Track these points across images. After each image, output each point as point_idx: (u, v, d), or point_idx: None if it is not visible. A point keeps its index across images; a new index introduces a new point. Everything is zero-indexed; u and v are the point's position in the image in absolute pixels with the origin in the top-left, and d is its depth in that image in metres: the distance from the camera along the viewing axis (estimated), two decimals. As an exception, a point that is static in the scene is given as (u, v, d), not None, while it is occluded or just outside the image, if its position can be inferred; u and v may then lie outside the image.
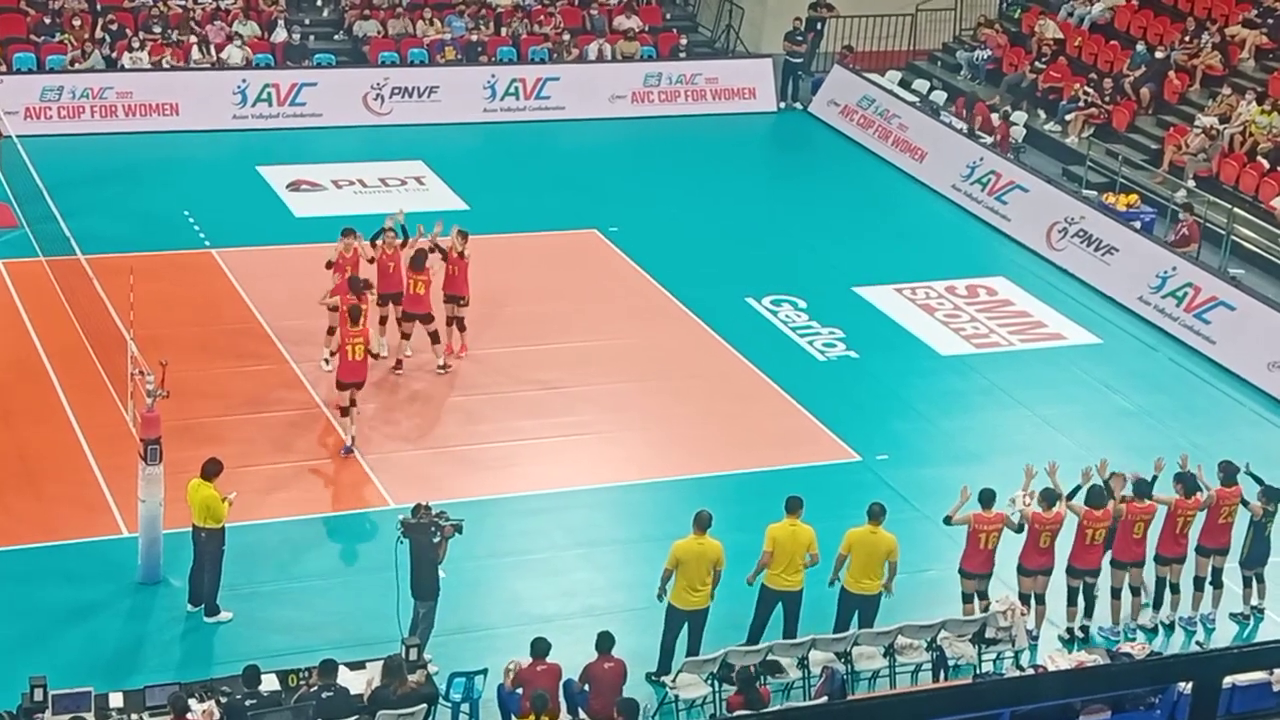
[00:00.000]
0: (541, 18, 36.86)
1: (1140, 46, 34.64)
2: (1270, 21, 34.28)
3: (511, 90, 34.89)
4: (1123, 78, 34.08)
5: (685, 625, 18.32)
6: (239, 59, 33.93)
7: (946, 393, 25.05)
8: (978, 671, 18.50)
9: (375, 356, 22.98)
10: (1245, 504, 19.84)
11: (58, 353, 23.93)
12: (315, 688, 16.65)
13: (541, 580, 20.14)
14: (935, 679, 18.39)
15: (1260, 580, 20.22)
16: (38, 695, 16.16)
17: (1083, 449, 23.33)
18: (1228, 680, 10.41)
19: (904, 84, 36.40)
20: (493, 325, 25.31)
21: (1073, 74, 34.91)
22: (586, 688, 17.26)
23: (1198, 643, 19.80)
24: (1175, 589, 19.95)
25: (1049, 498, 19.27)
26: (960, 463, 22.59)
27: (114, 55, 33.41)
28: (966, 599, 19.30)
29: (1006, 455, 22.92)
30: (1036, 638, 19.32)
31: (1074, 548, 19.49)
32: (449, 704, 17.32)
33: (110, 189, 29.73)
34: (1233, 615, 20.23)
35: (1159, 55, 34.25)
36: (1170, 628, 20.02)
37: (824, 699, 17.34)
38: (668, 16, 38.67)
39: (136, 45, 33.36)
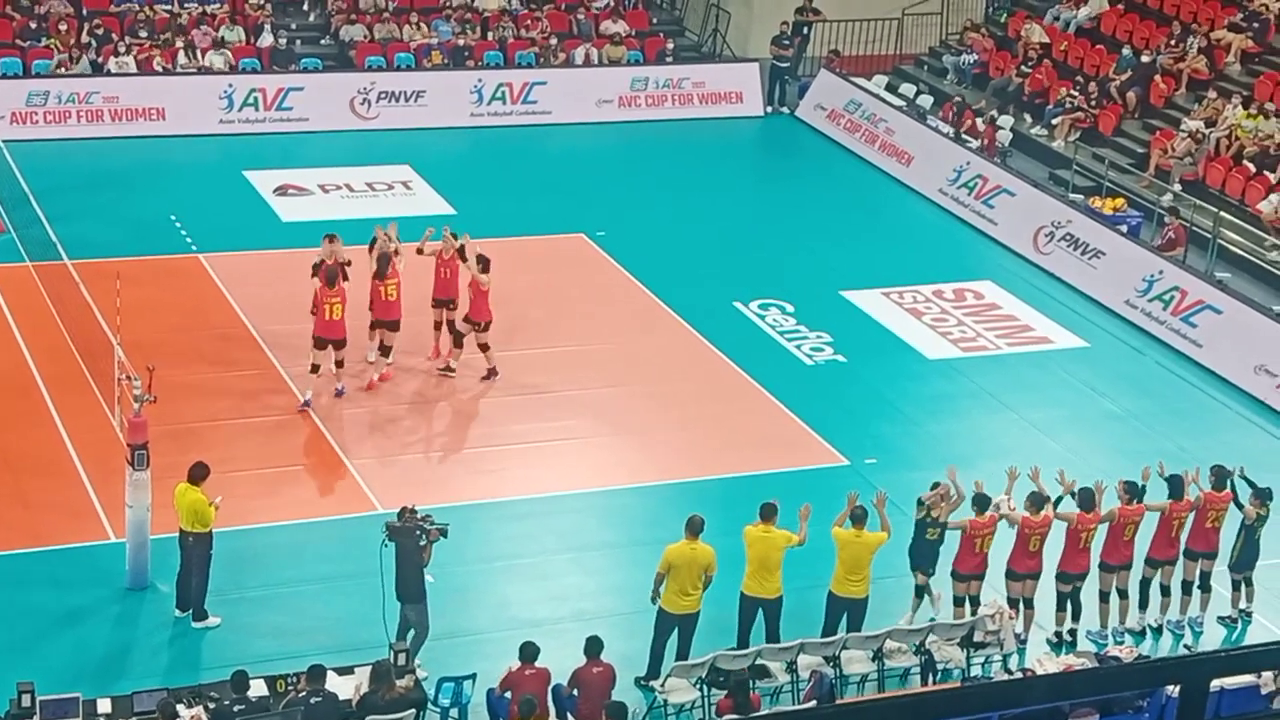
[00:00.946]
0: (528, 22, 36.86)
1: (1126, 50, 34.72)
2: (1255, 26, 34.36)
3: (498, 95, 34.90)
4: (1109, 82, 34.14)
5: (675, 630, 18.33)
6: (221, 65, 33.91)
7: (934, 397, 25.08)
8: (966, 675, 18.52)
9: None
10: (1239, 507, 19.85)
11: (44, 358, 23.89)
12: (303, 693, 16.62)
13: (530, 585, 20.13)
14: (924, 683, 18.40)
15: (1249, 584, 20.24)
16: (25, 701, 16.10)
17: (1070, 452, 23.38)
18: (1215, 683, 10.44)
19: (890, 88, 36.45)
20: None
21: (1059, 78, 34.98)
22: (575, 692, 17.25)
23: (1185, 646, 19.83)
24: (1166, 591, 19.98)
25: (1037, 501, 19.30)
26: (948, 466, 22.56)
27: (100, 60, 33.37)
28: (958, 602, 19.32)
29: (994, 459, 22.91)
30: (1025, 641, 19.35)
31: (1065, 552, 19.51)
32: (438, 709, 17.31)
33: (97, 194, 29.68)
34: (1220, 619, 20.26)
35: (1145, 59, 34.33)
36: (1159, 631, 20.04)
37: (813, 703, 17.34)
38: (654, 21, 38.70)
39: (123, 50, 33.33)
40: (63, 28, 33.68)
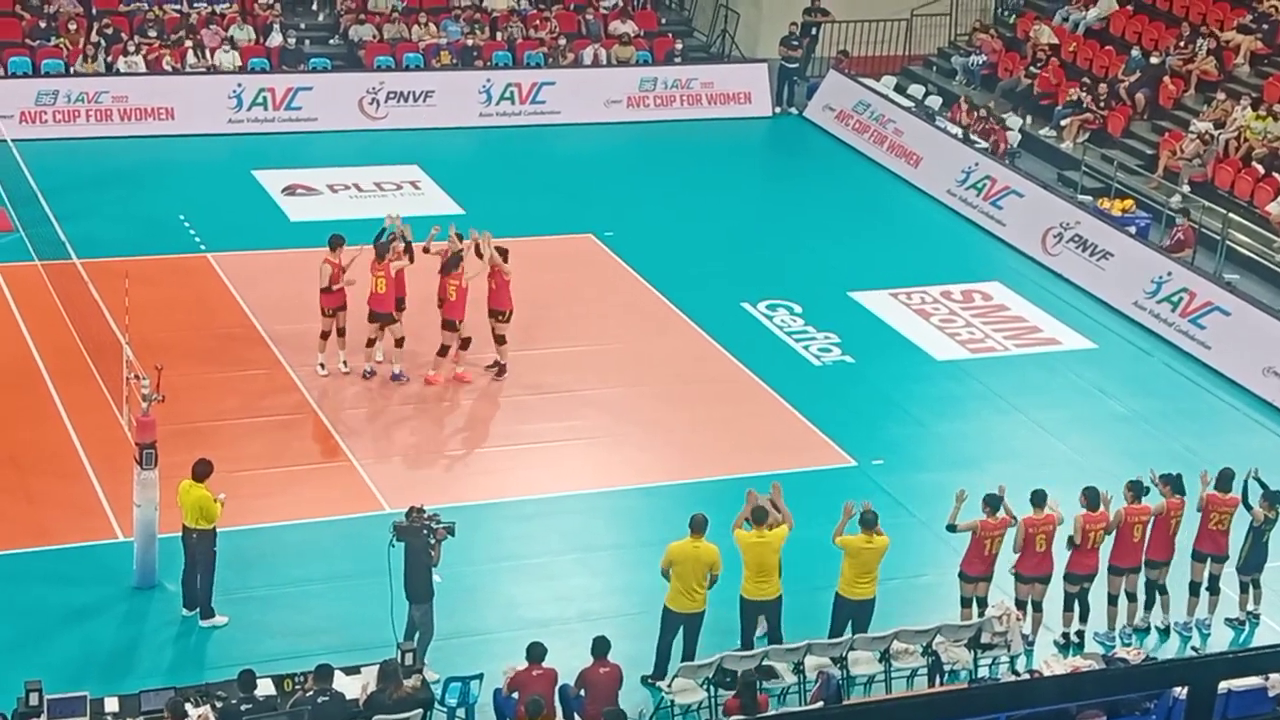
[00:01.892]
0: (537, 22, 36.87)
1: (1135, 52, 34.68)
2: (1265, 27, 34.31)
3: (507, 95, 34.89)
4: (1118, 83, 34.11)
5: (681, 629, 18.33)
6: (229, 64, 33.94)
7: (942, 398, 25.06)
8: (973, 676, 18.51)
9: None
10: (1248, 509, 19.83)
11: (53, 357, 23.91)
12: (311, 692, 16.63)
13: (537, 585, 20.14)
14: (931, 684, 18.39)
15: (1256, 586, 20.22)
16: (33, 700, 16.15)
17: (1077, 454, 23.38)
18: (1223, 685, 10.42)
19: (899, 89, 36.41)
20: (488, 330, 25.26)
21: (1068, 79, 34.95)
22: (582, 693, 17.26)
23: (1193, 648, 19.80)
24: (1164, 590, 19.95)
25: (1038, 499, 19.29)
26: (955, 468, 22.59)
27: (109, 59, 33.40)
28: (965, 603, 19.31)
29: (1002, 460, 22.95)
30: (1032, 643, 19.33)
31: (1072, 554, 19.48)
32: (445, 709, 17.31)
33: (106, 193, 29.70)
34: (1228, 620, 20.23)
35: (1154, 61, 34.29)
36: (1166, 632, 20.00)
37: (820, 704, 17.33)
38: (663, 21, 38.69)
39: (132, 49, 33.36)
40: (72, 27, 33.71)
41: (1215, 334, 26.71)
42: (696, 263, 28.67)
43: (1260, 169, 30.59)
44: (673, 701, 17.82)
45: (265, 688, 16.81)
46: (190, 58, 33.88)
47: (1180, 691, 14.57)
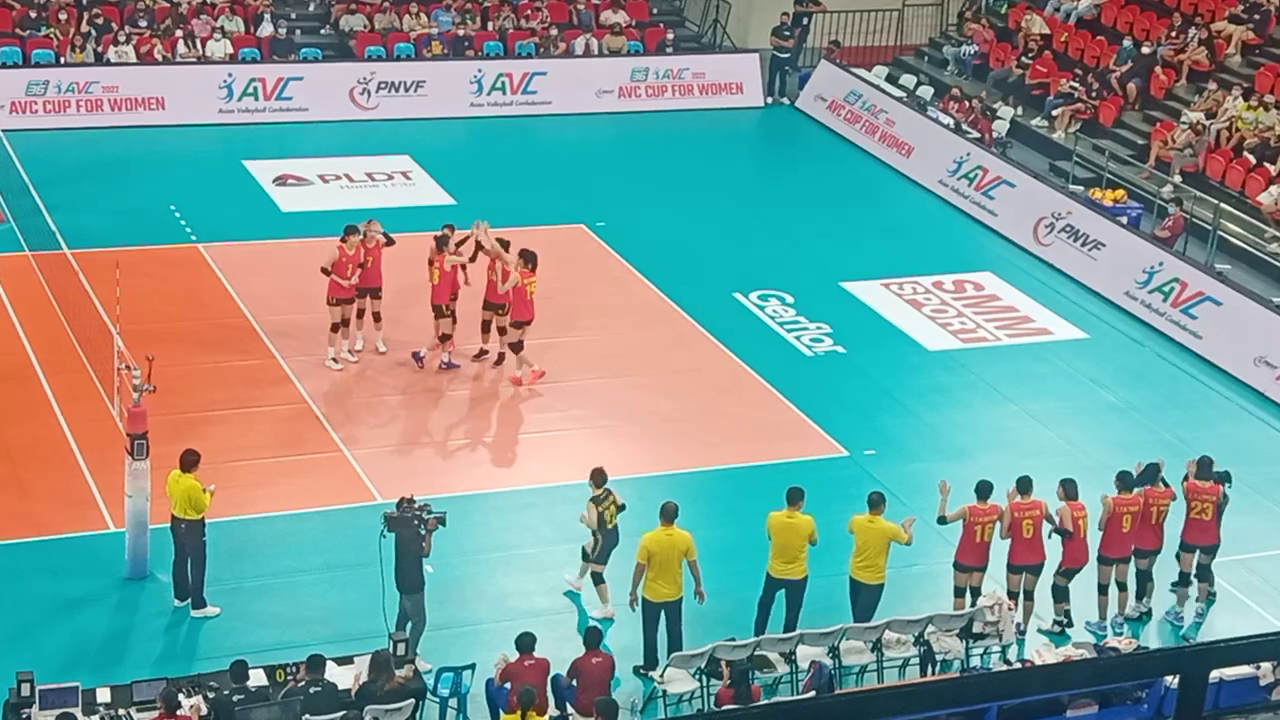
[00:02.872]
0: (528, 12, 36.83)
1: (1127, 42, 34.69)
2: (1256, 17, 34.34)
3: (498, 85, 34.86)
4: (1109, 73, 34.11)
5: (661, 617, 18.33)
6: (220, 54, 33.88)
7: (933, 388, 25.07)
8: (965, 666, 18.52)
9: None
10: (1225, 499, 19.91)
11: (44, 348, 23.89)
12: (303, 683, 16.63)
13: (529, 575, 20.14)
14: (923, 674, 18.41)
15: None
16: (25, 690, 16.12)
17: (1069, 444, 23.40)
18: (1214, 674, 10.44)
19: (891, 79, 36.41)
20: (478, 320, 25.24)
21: (1059, 69, 34.96)
22: (574, 682, 17.26)
23: (1184, 637, 19.83)
24: (1149, 577, 19.98)
25: (1024, 485, 19.31)
26: (947, 458, 22.62)
27: (100, 49, 33.35)
28: (959, 593, 19.33)
29: (993, 450, 22.98)
30: (1024, 632, 19.36)
31: (1066, 546, 19.52)
32: (437, 699, 17.31)
33: (96, 184, 29.66)
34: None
35: (1145, 51, 34.30)
36: (1149, 614, 20.00)
37: (812, 693, 17.34)
38: (654, 11, 38.65)
39: (122, 39, 33.30)
40: (63, 17, 33.65)
41: (1206, 324, 26.74)
42: (688, 253, 28.66)
43: (1251, 159, 30.61)
44: (664, 691, 17.82)
45: (257, 678, 16.79)
46: (181, 48, 33.84)
47: (1172, 680, 14.60)
